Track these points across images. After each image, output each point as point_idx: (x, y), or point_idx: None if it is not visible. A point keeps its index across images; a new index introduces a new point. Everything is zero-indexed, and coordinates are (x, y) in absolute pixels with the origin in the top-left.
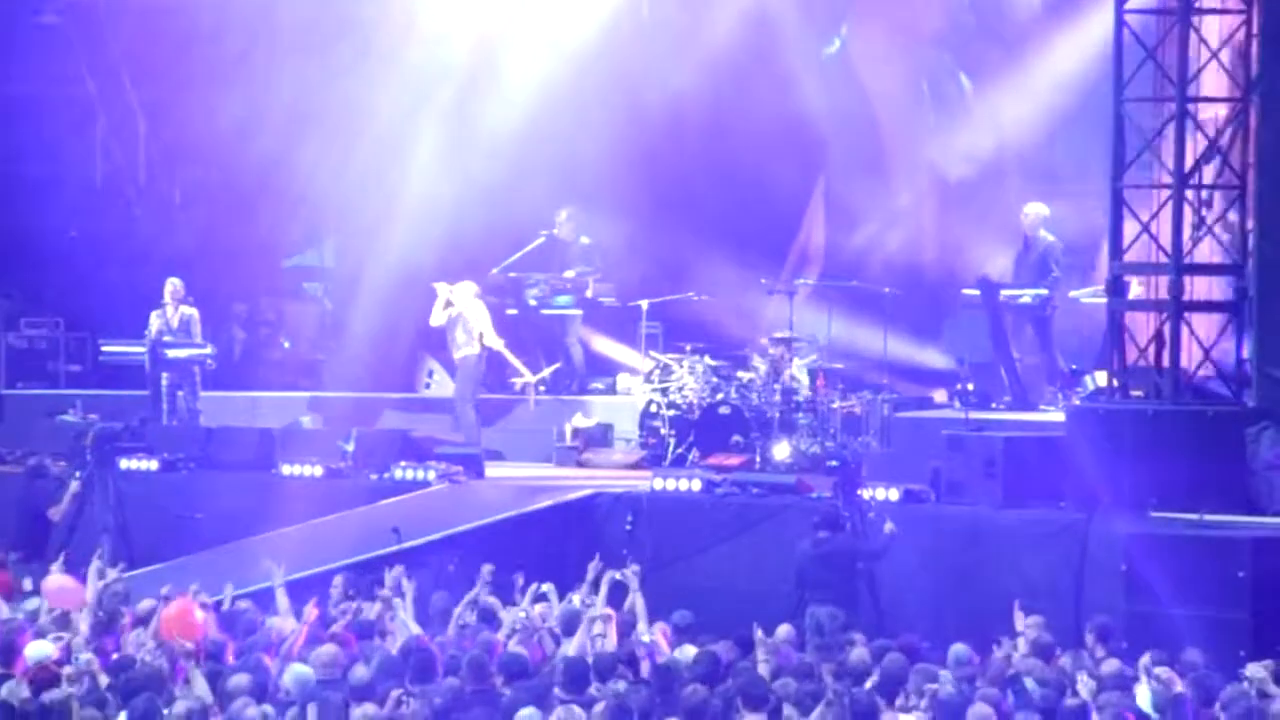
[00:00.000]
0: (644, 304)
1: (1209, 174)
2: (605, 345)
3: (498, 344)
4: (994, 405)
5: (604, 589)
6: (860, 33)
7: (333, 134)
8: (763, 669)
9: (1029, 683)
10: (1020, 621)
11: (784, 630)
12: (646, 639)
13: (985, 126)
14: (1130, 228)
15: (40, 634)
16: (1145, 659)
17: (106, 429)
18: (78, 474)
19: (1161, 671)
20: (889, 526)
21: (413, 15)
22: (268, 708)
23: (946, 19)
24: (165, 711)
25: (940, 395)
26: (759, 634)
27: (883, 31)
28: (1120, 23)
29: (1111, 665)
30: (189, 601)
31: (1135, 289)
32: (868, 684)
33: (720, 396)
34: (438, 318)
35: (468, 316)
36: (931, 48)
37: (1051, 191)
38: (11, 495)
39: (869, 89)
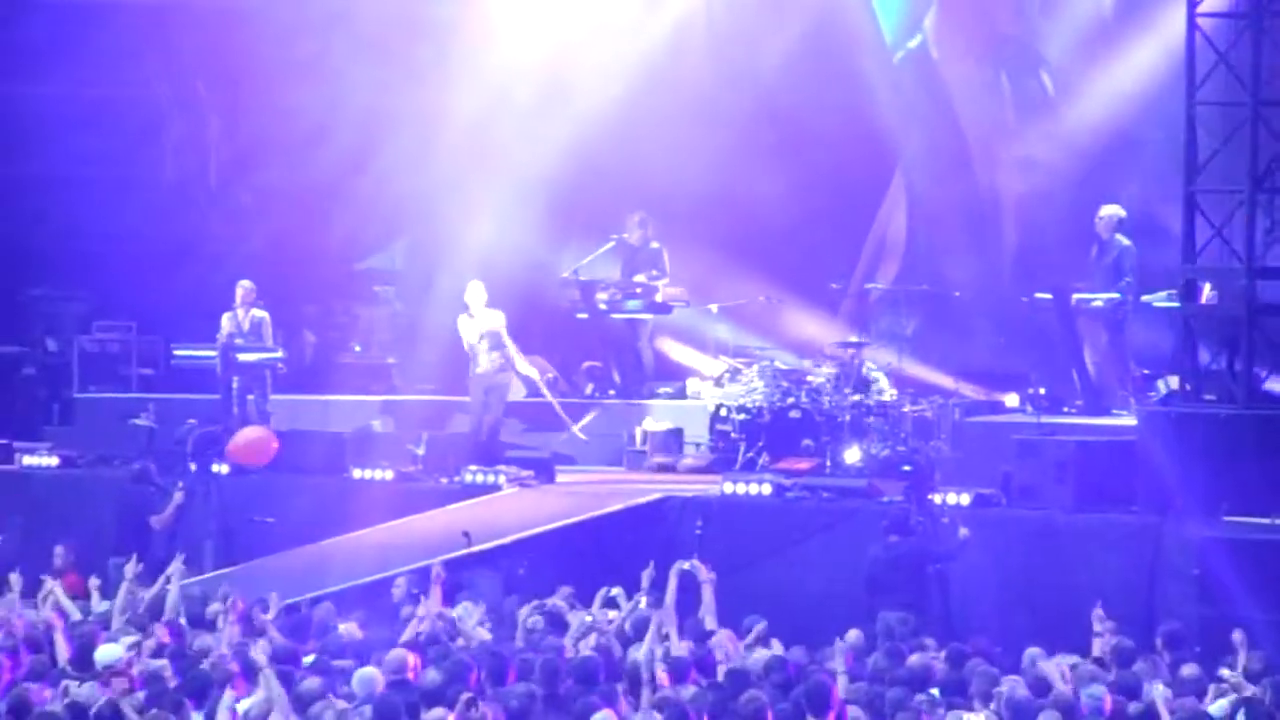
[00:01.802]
0: (714, 308)
1: None
2: (675, 349)
3: (533, 373)
4: (1065, 409)
5: (671, 592)
6: (942, 26)
7: (408, 137)
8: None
9: (1098, 689)
10: (1099, 624)
11: (853, 635)
12: (718, 641)
13: (1065, 126)
14: (1203, 231)
15: (112, 637)
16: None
17: (206, 433)
18: (181, 484)
19: (1230, 675)
20: (963, 531)
21: (490, 18)
22: (342, 704)
23: (1024, 17)
24: (235, 709)
25: (1012, 399)
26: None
27: (964, 25)
28: (1192, 25)
29: (1190, 670)
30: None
31: (1207, 293)
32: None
33: (790, 400)
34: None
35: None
36: (1012, 44)
37: (1126, 193)
38: (114, 499)
39: (950, 84)
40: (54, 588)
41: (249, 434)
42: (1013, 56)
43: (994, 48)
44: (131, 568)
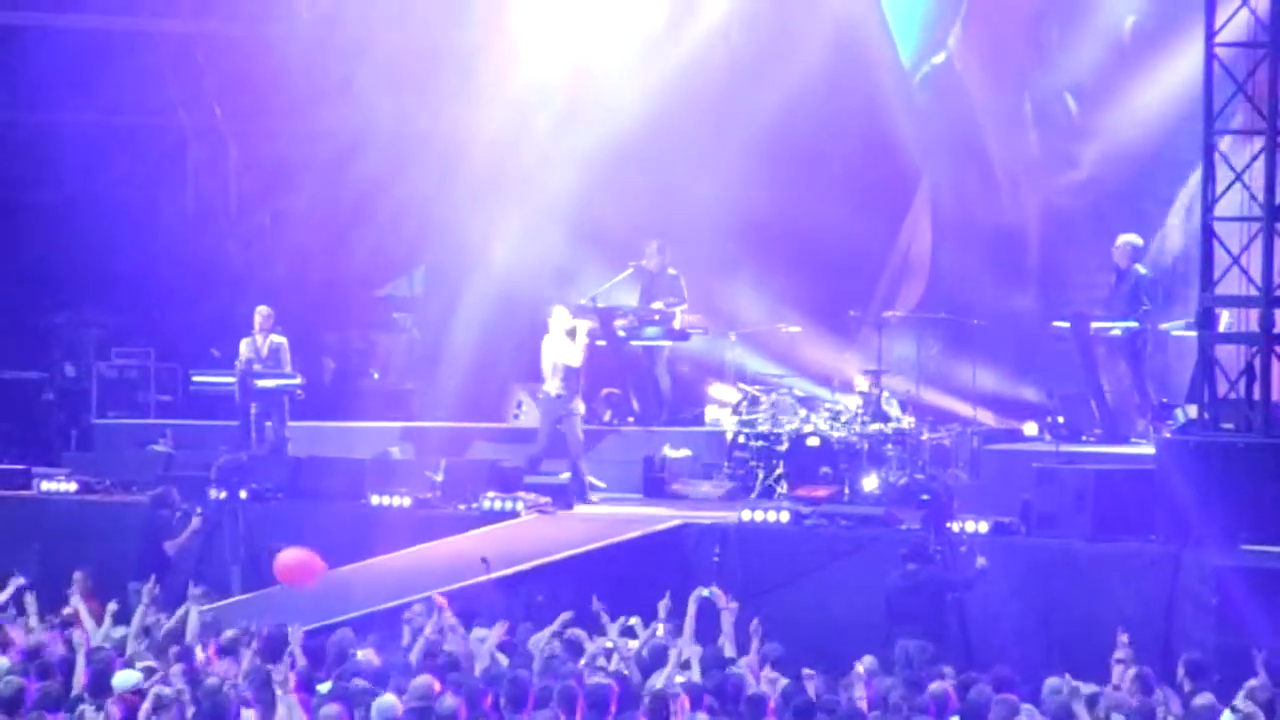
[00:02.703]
0: (733, 335)
1: None
2: (693, 376)
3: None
4: (1084, 438)
5: (690, 619)
6: (964, 46)
7: (428, 163)
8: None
9: (1117, 717)
10: (1122, 651)
11: (868, 661)
12: (739, 669)
13: (1088, 152)
14: (1221, 260)
15: (129, 663)
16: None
17: (232, 460)
18: (200, 510)
19: (1243, 704)
20: (981, 561)
21: (513, 44)
22: None
23: (1044, 40)
24: None
25: (1031, 428)
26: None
27: (984, 46)
28: (1210, 55)
29: (1204, 699)
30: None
31: (1225, 321)
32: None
33: (809, 428)
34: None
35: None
36: (1033, 67)
37: (1145, 222)
38: (136, 524)
39: (975, 100)
40: (79, 605)
41: (293, 557)
42: (1034, 79)
43: (1015, 70)
44: (149, 590)
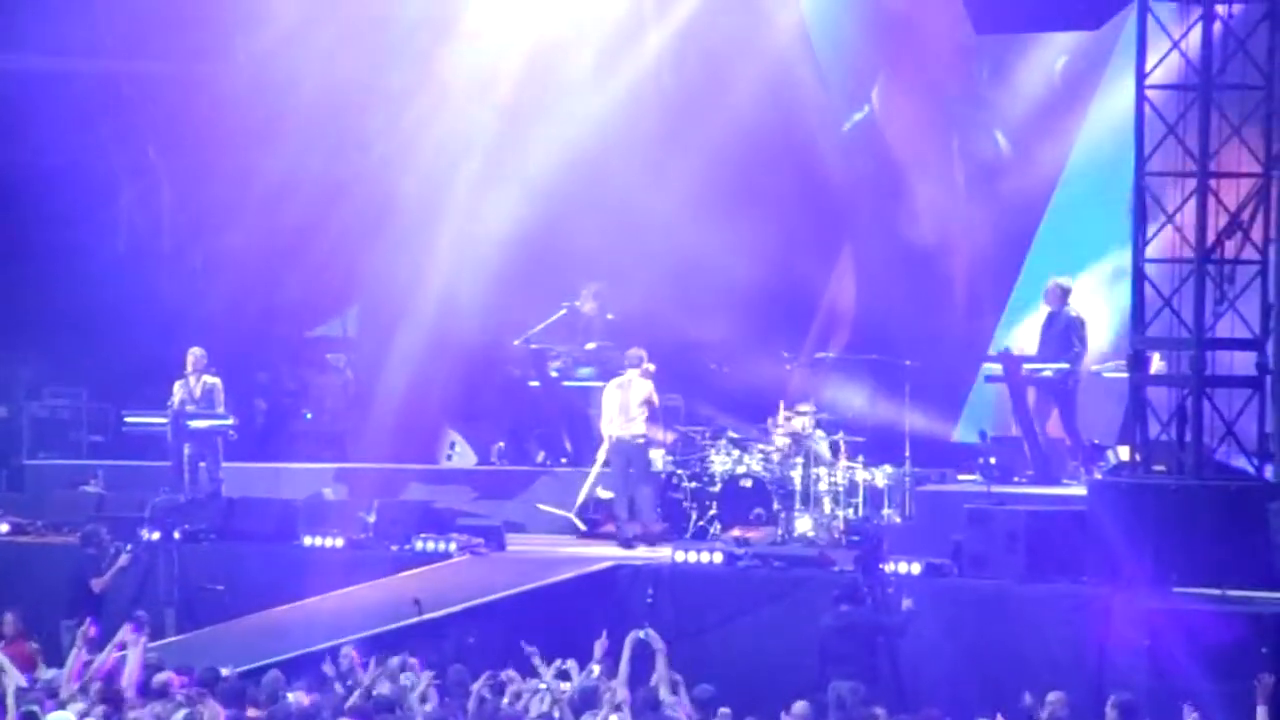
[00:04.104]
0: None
1: (1230, 249)
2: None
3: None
4: (1016, 479)
5: (626, 661)
6: (889, 94)
7: (360, 203)
8: None
9: None
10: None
11: (800, 707)
12: (672, 710)
13: (1013, 189)
14: (1152, 302)
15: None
16: None
17: (167, 501)
18: (129, 547)
19: None
20: (907, 603)
21: (442, 87)
22: None
23: (973, 80)
24: None
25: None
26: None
27: (912, 92)
28: (1141, 98)
29: None
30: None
31: (1157, 364)
32: None
33: (742, 469)
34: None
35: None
36: (961, 106)
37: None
38: (66, 564)
39: (898, 153)
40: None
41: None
42: (963, 118)
43: (944, 111)
44: (83, 633)
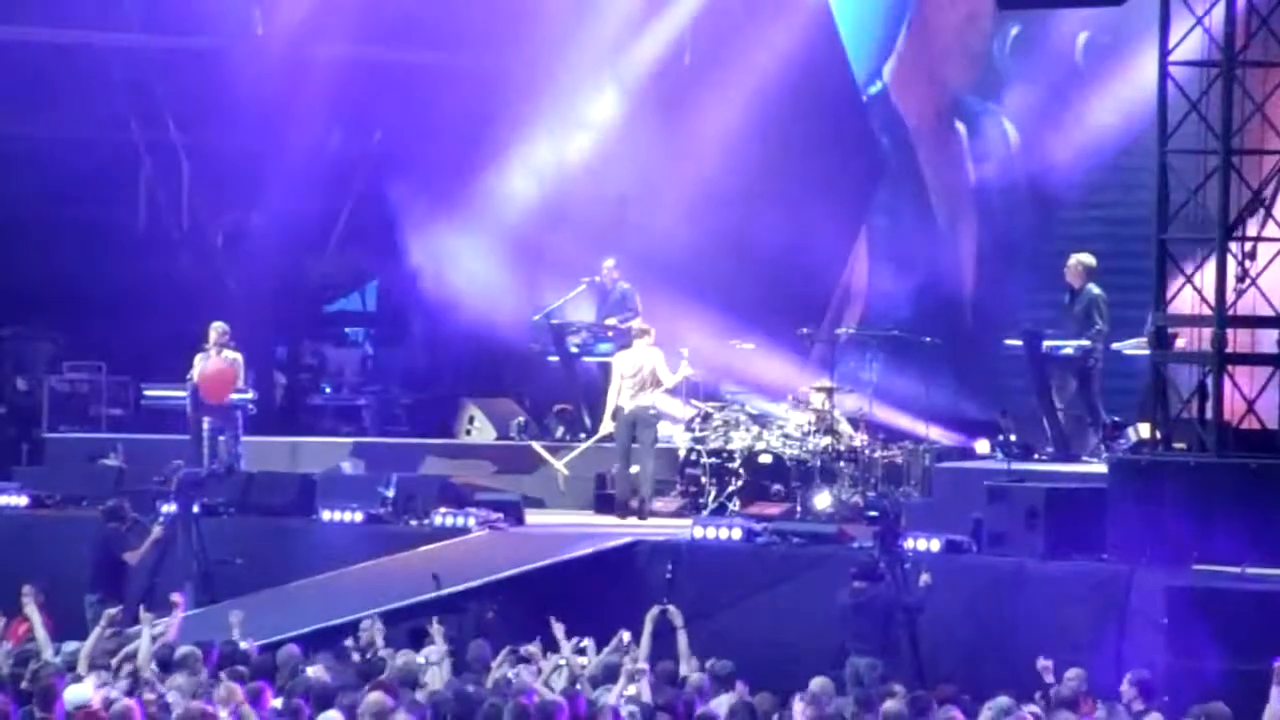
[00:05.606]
0: (685, 351)
1: (1253, 226)
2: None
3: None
4: (1036, 456)
5: (647, 637)
6: (899, 76)
7: (380, 178)
8: None
9: None
10: (1047, 676)
11: (818, 683)
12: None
13: (1025, 172)
14: (1174, 279)
15: (79, 678)
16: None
17: (190, 474)
18: (160, 520)
19: None
20: (924, 578)
21: (462, 61)
22: None
23: (980, 64)
24: None
25: (983, 445)
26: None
27: (918, 77)
28: (1164, 74)
29: (1153, 719)
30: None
31: (1178, 341)
32: None
33: (761, 445)
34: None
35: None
36: (968, 93)
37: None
38: (87, 538)
39: (911, 128)
40: (32, 614)
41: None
42: (968, 107)
43: (948, 99)
44: (109, 615)
